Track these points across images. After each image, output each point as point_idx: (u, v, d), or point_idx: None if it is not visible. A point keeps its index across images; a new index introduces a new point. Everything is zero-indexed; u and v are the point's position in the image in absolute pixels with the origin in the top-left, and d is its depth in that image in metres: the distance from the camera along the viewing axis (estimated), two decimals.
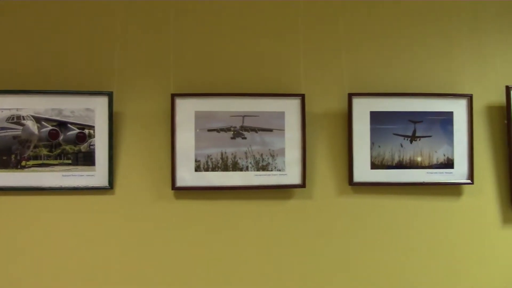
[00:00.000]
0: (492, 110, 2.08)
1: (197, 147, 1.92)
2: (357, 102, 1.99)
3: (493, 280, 2.04)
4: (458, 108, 2.02)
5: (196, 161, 1.92)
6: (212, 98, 1.93)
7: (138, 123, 1.93)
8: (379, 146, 1.99)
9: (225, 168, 1.93)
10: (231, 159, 1.94)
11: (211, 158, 1.93)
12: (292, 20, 2.01)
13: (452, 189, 2.04)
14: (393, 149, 1.99)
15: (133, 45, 1.95)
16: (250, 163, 1.94)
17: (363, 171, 1.98)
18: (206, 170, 1.92)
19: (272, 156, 1.95)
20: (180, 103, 1.92)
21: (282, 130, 1.96)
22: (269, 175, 1.95)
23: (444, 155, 2.01)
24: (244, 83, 1.97)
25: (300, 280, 1.96)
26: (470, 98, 2.02)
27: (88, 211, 1.90)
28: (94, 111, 1.89)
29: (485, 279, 2.03)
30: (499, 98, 2.07)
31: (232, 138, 1.94)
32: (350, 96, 1.98)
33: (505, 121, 2.05)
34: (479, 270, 2.03)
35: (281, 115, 1.96)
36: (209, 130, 1.93)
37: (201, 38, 1.97)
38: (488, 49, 2.09)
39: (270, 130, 1.95)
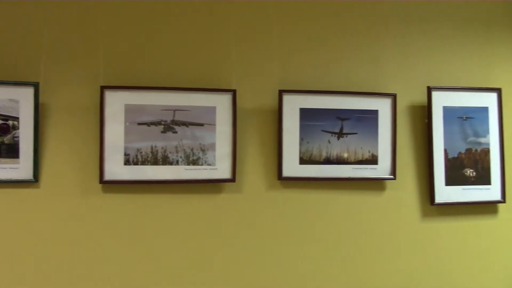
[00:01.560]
0: (414, 109, 2.18)
1: (126, 141, 1.91)
2: (287, 99, 2.03)
3: (412, 271, 2.15)
4: (382, 107, 2.11)
5: (125, 154, 1.91)
6: (142, 91, 1.92)
7: (66, 115, 1.89)
8: (308, 142, 2.04)
9: (155, 162, 1.93)
10: (161, 153, 1.94)
11: (141, 152, 1.92)
12: (225, 16, 2.03)
13: (376, 184, 2.12)
14: (321, 145, 2.05)
15: (62, 35, 1.91)
16: (181, 157, 1.95)
17: (292, 166, 2.03)
18: (136, 164, 1.91)
19: (203, 150, 1.97)
20: (109, 95, 1.90)
21: (213, 125, 1.98)
22: (200, 169, 1.96)
23: (369, 152, 2.09)
24: (176, 77, 1.97)
25: (229, 273, 1.99)
26: (394, 97, 2.11)
27: (12, 204, 1.85)
28: (19, 102, 1.83)
29: (405, 270, 2.14)
30: (421, 98, 2.17)
31: (162, 132, 1.94)
32: (281, 92, 2.02)
33: (426, 120, 2.16)
34: (400, 261, 2.14)
35: (212, 110, 1.98)
36: (139, 124, 1.92)
37: (132, 30, 1.96)
38: (412, 51, 2.19)
39: (201, 125, 1.97)
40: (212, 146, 1.97)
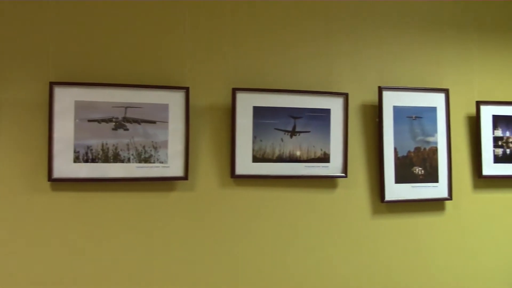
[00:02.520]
0: (366, 108, 2.22)
1: (76, 138, 1.88)
2: (240, 97, 2.04)
3: (363, 266, 2.19)
4: (335, 106, 2.14)
5: (75, 152, 1.88)
6: (93, 87, 1.90)
7: (13, 112, 1.85)
8: (261, 140, 2.05)
9: (106, 160, 1.91)
10: (112, 150, 1.91)
11: (91, 149, 1.89)
12: (179, 13, 2.02)
13: (328, 182, 2.16)
14: (274, 143, 2.07)
15: (10, 31, 1.85)
16: (132, 154, 1.93)
17: (245, 164, 2.04)
18: (86, 161, 1.89)
19: (155, 148, 1.95)
20: (59, 91, 1.87)
21: (165, 122, 1.97)
22: (151, 167, 1.95)
23: (321, 150, 2.12)
24: (128, 74, 1.95)
25: (181, 272, 1.99)
26: (346, 96, 2.15)
27: None
28: None
29: (356, 266, 2.19)
30: (372, 97, 2.21)
31: (113, 129, 1.91)
32: (234, 90, 2.03)
33: (377, 119, 2.20)
34: (351, 257, 2.18)
35: (165, 107, 1.97)
36: (89, 121, 1.89)
37: (83, 26, 1.93)
38: (364, 52, 2.24)
39: (154, 122, 1.95)
40: (165, 144, 1.96)
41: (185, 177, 1.96)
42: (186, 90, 1.98)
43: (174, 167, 1.97)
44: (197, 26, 2.04)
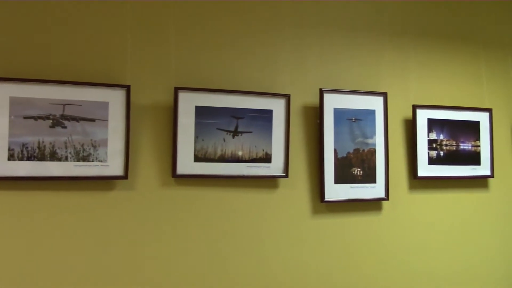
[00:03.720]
0: (307, 110, 2.27)
1: (11, 135, 1.83)
2: (183, 96, 2.03)
3: (302, 265, 2.24)
4: (277, 107, 2.17)
5: (9, 149, 1.82)
6: (29, 84, 1.85)
7: None
8: (203, 140, 2.06)
9: (43, 158, 1.86)
10: (49, 148, 1.87)
11: (27, 147, 1.84)
12: (121, 10, 2.00)
13: (269, 182, 2.18)
14: (216, 143, 2.08)
15: None
16: (70, 153, 1.89)
17: (186, 164, 2.04)
18: (21, 159, 1.83)
19: (94, 146, 1.92)
20: None
21: (105, 120, 1.94)
22: (90, 166, 1.92)
23: (263, 150, 2.15)
24: (66, 70, 1.91)
25: (120, 272, 1.96)
26: (288, 98, 2.18)
27: None
28: None
29: (296, 265, 2.23)
30: (314, 99, 2.26)
31: (51, 126, 1.87)
32: (176, 90, 2.02)
33: (318, 121, 2.25)
34: (291, 256, 2.22)
35: (105, 105, 1.94)
36: (25, 118, 1.84)
37: (20, 19, 1.87)
38: (306, 54, 2.28)
39: (93, 120, 1.92)
40: (104, 142, 1.93)
41: (125, 176, 1.94)
42: (127, 88, 1.96)
43: (113, 166, 1.94)
44: (140, 24, 2.02)
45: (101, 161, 1.93)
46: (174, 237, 2.04)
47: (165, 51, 2.05)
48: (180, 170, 2.03)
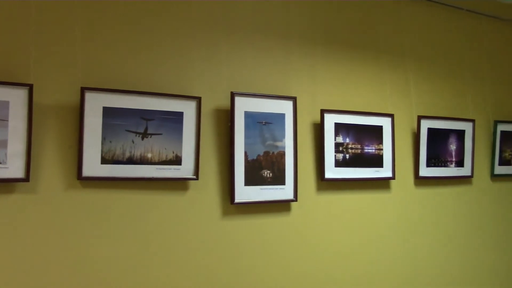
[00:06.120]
0: (218, 112, 2.29)
1: None
2: (90, 97, 1.99)
3: (213, 267, 2.26)
4: (188, 109, 2.18)
5: None
6: None
7: None
8: (111, 142, 2.02)
9: None
10: None
11: None
12: (24, 5, 1.91)
13: (179, 184, 2.18)
14: (125, 145, 2.05)
15: None
16: None
17: (93, 166, 2.00)
18: None
19: None
20: None
21: (5, 120, 1.86)
22: None
23: (173, 152, 2.15)
24: None
25: (24, 279, 1.87)
26: (199, 100, 2.20)
27: None
28: None
29: (206, 266, 2.24)
30: (225, 102, 2.29)
31: None
32: (83, 90, 1.97)
33: (229, 124, 2.28)
34: (201, 257, 2.23)
35: (5, 104, 1.86)
36: None
37: None
38: (217, 57, 2.31)
39: None
40: (4, 143, 1.85)
41: (26, 179, 1.87)
42: (30, 87, 1.89)
43: (13, 168, 1.86)
44: (44, 21, 1.96)
45: (0, 163, 1.84)
46: (81, 241, 1.98)
47: (71, 50, 2.00)
48: (86, 172, 1.99)
